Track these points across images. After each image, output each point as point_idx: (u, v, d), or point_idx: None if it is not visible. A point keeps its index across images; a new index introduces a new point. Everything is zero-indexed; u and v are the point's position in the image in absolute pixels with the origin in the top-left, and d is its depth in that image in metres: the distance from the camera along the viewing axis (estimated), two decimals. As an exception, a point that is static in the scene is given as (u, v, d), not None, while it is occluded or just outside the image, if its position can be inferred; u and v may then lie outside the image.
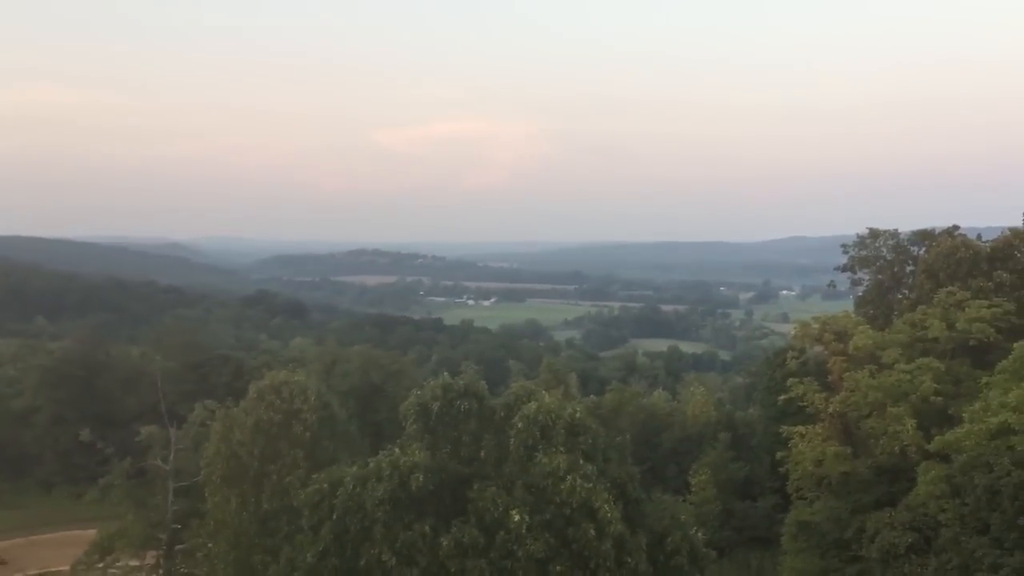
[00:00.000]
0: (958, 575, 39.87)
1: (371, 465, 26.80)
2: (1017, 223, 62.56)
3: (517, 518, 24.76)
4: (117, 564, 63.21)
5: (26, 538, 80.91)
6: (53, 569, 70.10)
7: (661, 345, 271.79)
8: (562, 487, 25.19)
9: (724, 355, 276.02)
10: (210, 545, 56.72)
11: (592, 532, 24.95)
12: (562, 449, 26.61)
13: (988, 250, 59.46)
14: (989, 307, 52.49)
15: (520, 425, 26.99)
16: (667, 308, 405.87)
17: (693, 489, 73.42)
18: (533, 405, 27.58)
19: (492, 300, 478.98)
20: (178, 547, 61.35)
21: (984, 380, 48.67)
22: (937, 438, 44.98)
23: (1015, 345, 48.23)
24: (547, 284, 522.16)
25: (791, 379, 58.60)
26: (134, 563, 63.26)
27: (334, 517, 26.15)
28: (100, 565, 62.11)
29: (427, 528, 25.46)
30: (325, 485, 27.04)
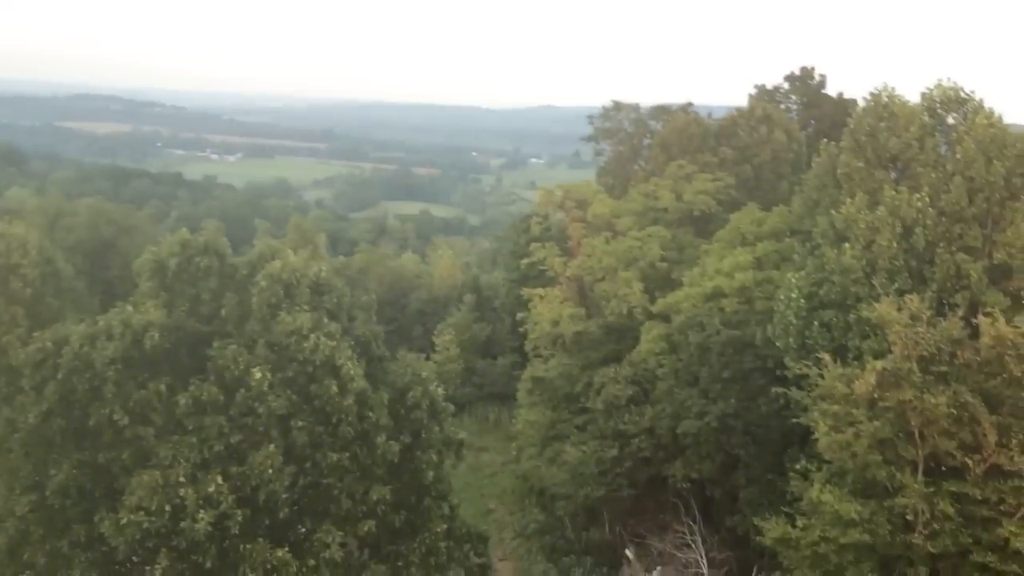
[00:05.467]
0: (670, 423, 44.20)
1: (100, 323, 25.36)
2: (743, 103, 67.44)
3: (259, 375, 24.53)
4: None
5: None
6: None
7: (413, 208, 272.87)
8: (305, 345, 25.12)
9: (474, 220, 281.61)
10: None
11: (335, 388, 25.23)
12: (306, 308, 26.41)
13: (715, 128, 63.79)
14: (712, 180, 56.77)
15: (263, 283, 26.41)
16: (420, 171, 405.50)
17: (438, 348, 75.91)
18: (277, 263, 27.03)
19: (238, 156, 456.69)
20: None
21: (704, 248, 53.10)
22: (660, 300, 48.92)
23: (732, 216, 52.78)
24: (297, 141, 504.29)
25: (534, 244, 61.10)
26: None
27: (59, 377, 24.69)
28: None
29: (163, 387, 24.67)
30: (49, 343, 25.35)
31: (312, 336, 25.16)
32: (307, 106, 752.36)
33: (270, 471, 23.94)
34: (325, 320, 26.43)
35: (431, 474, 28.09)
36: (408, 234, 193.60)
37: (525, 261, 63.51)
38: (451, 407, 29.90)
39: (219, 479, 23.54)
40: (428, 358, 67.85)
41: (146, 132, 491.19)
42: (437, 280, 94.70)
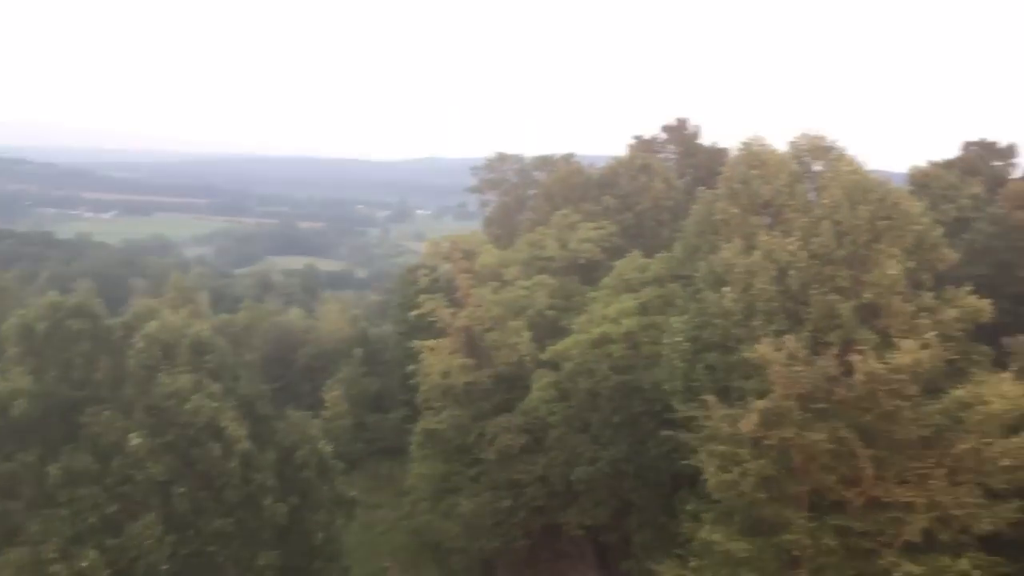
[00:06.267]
0: (563, 470, 44.30)
1: (-38, 393, 23.91)
2: (623, 153, 69.24)
3: (136, 441, 23.55)
4: None
5: None
6: None
7: (298, 262, 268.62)
8: (186, 407, 24.25)
9: (361, 273, 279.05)
10: None
11: (218, 451, 24.43)
12: (186, 369, 25.53)
13: (597, 177, 65.19)
14: (596, 228, 57.84)
15: (141, 345, 25.49)
16: (304, 225, 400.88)
17: (327, 404, 74.39)
18: (155, 324, 26.12)
19: (113, 213, 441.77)
20: None
21: (590, 295, 53.85)
22: (549, 348, 49.23)
23: (616, 263, 53.80)
24: (176, 197, 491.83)
25: (422, 295, 60.73)
26: None
27: (-85, 452, 23.12)
28: None
29: (32, 457, 23.37)
30: (-97, 417, 23.72)
31: (193, 398, 24.35)
32: (184, 160, 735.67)
33: (149, 541, 22.89)
34: (207, 381, 25.60)
35: (321, 535, 27.38)
36: (294, 289, 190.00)
37: (414, 313, 62.96)
38: (341, 464, 29.28)
39: (94, 553, 22.33)
40: (317, 415, 66.25)
41: (13, 190, 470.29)
42: (325, 335, 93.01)
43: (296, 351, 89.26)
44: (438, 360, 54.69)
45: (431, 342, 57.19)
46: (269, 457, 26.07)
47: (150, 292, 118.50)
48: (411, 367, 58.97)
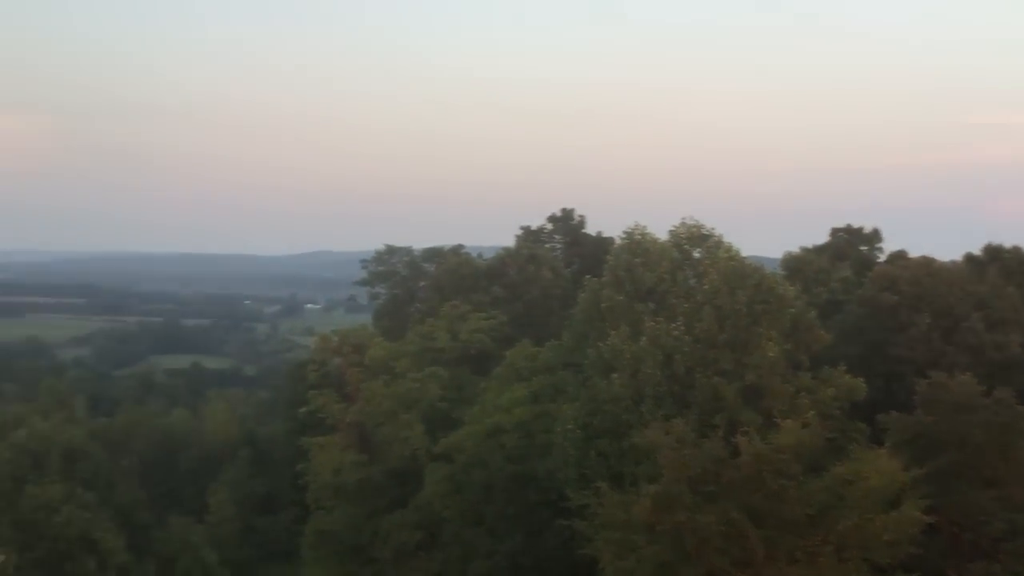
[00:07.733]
0: (460, 566, 43.45)
1: None
2: (511, 244, 70.44)
3: (1, 559, 22.04)
4: None
5: None
6: None
7: (183, 361, 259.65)
8: (57, 519, 22.94)
9: (250, 370, 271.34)
10: None
11: (92, 565, 23.12)
12: (57, 478, 24.25)
13: (486, 268, 65.95)
14: (486, 319, 58.23)
15: (7, 454, 24.11)
16: (189, 323, 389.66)
17: (212, 509, 71.52)
18: (23, 432, 24.81)
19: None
20: None
21: (482, 385, 53.81)
22: (442, 440, 48.77)
23: (507, 353, 54.07)
24: (52, 297, 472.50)
25: (312, 391, 59.65)
26: None
27: None
28: None
29: None
30: None
31: (65, 509, 23.07)
32: (57, 259, 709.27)
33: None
34: (79, 490, 24.34)
35: (205, 649, 25.99)
36: (178, 389, 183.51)
37: (303, 410, 61.66)
38: (227, 572, 28.04)
39: None
40: (202, 520, 63.58)
41: None
42: (210, 436, 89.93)
43: (180, 454, 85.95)
44: (329, 457, 53.57)
45: (321, 439, 56.00)
46: (148, 568, 24.78)
47: (24, 397, 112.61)
48: (301, 465, 57.49)
